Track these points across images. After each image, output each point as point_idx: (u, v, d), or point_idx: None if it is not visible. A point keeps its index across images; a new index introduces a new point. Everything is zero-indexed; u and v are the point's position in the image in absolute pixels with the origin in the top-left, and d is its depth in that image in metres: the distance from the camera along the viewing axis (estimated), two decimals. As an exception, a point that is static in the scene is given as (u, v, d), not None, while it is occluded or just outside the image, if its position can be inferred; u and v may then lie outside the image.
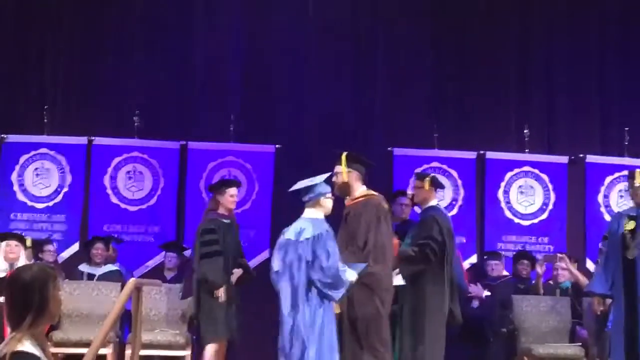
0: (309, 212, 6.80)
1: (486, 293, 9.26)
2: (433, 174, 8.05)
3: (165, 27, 10.78)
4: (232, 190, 8.26)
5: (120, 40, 10.76)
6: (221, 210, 8.17)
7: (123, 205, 10.48)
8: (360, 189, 7.20)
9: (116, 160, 10.51)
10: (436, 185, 7.84)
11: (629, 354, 7.33)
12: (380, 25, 11.06)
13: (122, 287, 7.35)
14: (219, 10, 10.92)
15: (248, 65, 10.81)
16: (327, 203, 6.82)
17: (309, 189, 6.78)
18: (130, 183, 10.52)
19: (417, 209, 8.16)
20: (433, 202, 7.78)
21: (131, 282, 5.12)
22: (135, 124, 10.48)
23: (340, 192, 7.18)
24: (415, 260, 7.45)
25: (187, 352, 8.45)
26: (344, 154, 7.19)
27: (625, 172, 10.48)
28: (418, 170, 10.52)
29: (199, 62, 10.82)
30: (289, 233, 6.76)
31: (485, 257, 9.97)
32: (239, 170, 10.58)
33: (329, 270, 6.57)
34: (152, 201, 10.49)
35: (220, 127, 10.57)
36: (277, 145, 10.58)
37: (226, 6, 10.94)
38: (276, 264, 6.74)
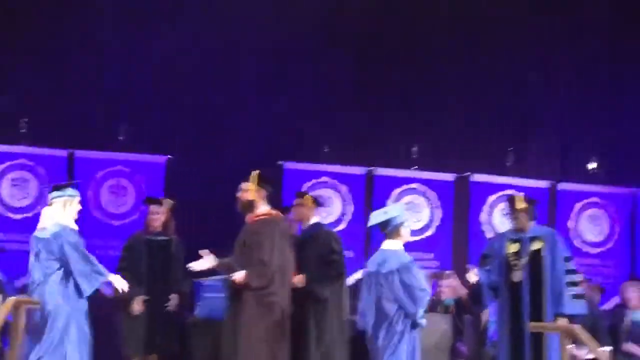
0: (388, 243, 6.99)
1: None
2: (314, 194, 8.21)
3: (53, 35, 10.57)
4: (151, 208, 8.32)
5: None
6: (150, 227, 8.28)
7: (7, 214, 10.25)
8: (262, 208, 7.27)
9: (2, 166, 10.27)
10: (317, 203, 7.98)
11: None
12: (266, 37, 11.04)
13: (2, 296, 7.26)
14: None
15: (131, 74, 10.66)
16: (406, 232, 7.07)
17: (388, 221, 6.97)
18: (15, 190, 10.29)
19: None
20: (314, 220, 7.91)
21: (9, 300, 5.03)
22: (21, 130, 10.27)
23: (243, 209, 7.27)
24: (331, 278, 7.65)
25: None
26: (256, 173, 7.30)
27: (509, 192, 10.80)
28: (307, 184, 10.61)
29: (86, 69, 10.63)
30: (370, 265, 6.96)
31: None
32: (127, 180, 10.48)
33: (422, 299, 6.80)
34: (38, 209, 10.28)
35: (109, 135, 10.44)
36: (168, 156, 10.50)
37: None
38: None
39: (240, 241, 7.17)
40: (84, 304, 6.84)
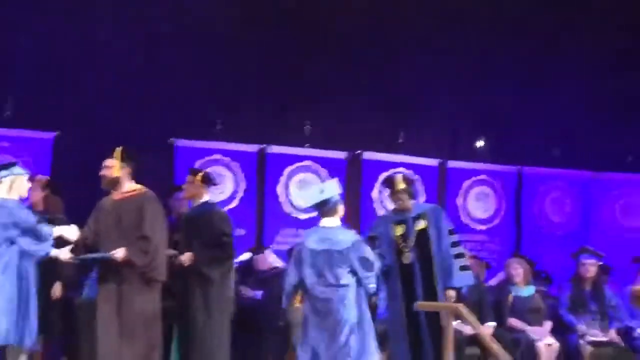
0: (328, 221, 7.14)
1: (257, 292, 9.43)
2: (206, 171, 8.12)
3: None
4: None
5: None
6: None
7: None
8: (129, 184, 7.18)
9: None
10: (209, 181, 7.90)
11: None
12: (170, 9, 10.92)
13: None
14: None
15: (18, 49, 10.42)
16: (342, 207, 7.26)
17: (326, 201, 7.10)
18: None
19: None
20: (205, 198, 7.86)
21: None
22: None
23: (107, 186, 7.16)
24: (221, 260, 7.63)
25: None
26: (120, 149, 7.16)
27: (400, 169, 10.96)
28: (200, 162, 10.55)
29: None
30: (313, 243, 7.05)
31: (250, 252, 10.01)
32: (12, 157, 10.22)
33: (374, 268, 7.07)
34: None
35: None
36: (56, 133, 10.29)
37: None
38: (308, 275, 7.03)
39: (112, 218, 7.05)
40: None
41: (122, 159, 7.13)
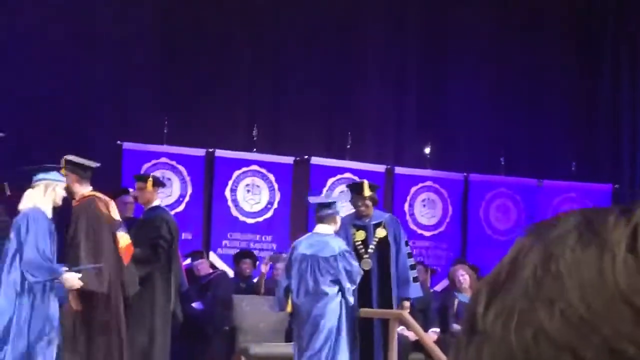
0: (322, 228, 7.26)
1: (198, 303, 9.42)
2: (153, 174, 8.14)
3: None
4: None
5: None
6: None
7: None
8: (83, 190, 7.18)
9: None
10: (158, 184, 7.94)
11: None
12: (111, 11, 10.83)
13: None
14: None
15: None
16: (339, 221, 7.39)
17: (330, 204, 7.29)
18: None
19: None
20: (157, 202, 7.90)
21: None
22: None
23: (68, 194, 7.17)
24: (149, 261, 7.56)
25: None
26: (64, 158, 7.22)
27: (347, 175, 10.99)
28: (147, 165, 10.49)
29: None
30: (303, 248, 7.18)
31: (189, 257, 9.90)
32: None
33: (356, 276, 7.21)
34: None
35: None
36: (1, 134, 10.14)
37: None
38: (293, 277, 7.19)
39: (68, 228, 7.14)
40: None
41: (66, 168, 7.16)
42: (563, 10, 12.20)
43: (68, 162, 7.18)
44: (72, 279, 6.72)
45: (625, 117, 12.28)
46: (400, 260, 7.78)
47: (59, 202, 6.90)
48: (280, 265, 9.56)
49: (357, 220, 7.94)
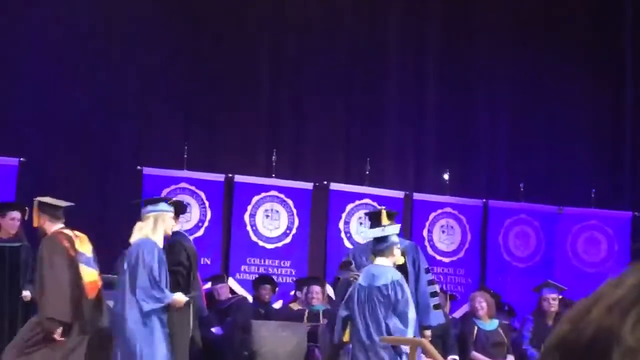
0: (381, 260, 7.38)
1: (217, 329, 9.44)
2: (176, 199, 8.15)
3: None
4: (14, 214, 8.46)
5: None
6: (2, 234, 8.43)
7: None
8: (53, 228, 7.45)
9: None
10: (178, 210, 7.96)
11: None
12: (135, 36, 10.92)
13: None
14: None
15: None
16: (398, 252, 7.44)
17: (386, 238, 7.38)
18: None
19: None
20: (176, 228, 7.90)
21: None
22: None
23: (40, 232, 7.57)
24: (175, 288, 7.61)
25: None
26: (36, 200, 7.51)
27: (366, 201, 11.01)
28: (166, 190, 10.54)
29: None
30: (361, 279, 7.34)
31: (210, 281, 9.96)
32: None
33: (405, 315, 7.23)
34: None
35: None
36: (20, 159, 10.22)
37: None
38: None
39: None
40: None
41: (38, 210, 7.44)
42: (585, 35, 12.21)
43: (41, 203, 7.44)
44: (179, 298, 7.21)
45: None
46: (420, 288, 7.78)
47: (170, 232, 7.29)
48: (316, 289, 9.63)
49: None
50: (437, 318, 7.84)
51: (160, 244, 7.16)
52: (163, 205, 7.23)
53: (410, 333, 7.23)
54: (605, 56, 12.17)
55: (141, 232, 7.13)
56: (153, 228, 7.11)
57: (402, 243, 8.00)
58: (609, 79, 12.24)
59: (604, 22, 12.22)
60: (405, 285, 7.33)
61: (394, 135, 11.84)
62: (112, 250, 8.50)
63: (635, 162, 12.20)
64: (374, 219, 8.04)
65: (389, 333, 7.21)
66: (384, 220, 7.91)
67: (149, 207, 7.16)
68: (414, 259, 7.87)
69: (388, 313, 7.22)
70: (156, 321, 7.06)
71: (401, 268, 7.80)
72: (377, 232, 7.48)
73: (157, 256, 7.06)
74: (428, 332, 7.70)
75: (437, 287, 8.15)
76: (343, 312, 7.39)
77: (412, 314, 7.26)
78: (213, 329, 9.34)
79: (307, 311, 9.69)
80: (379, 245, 7.41)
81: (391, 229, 7.52)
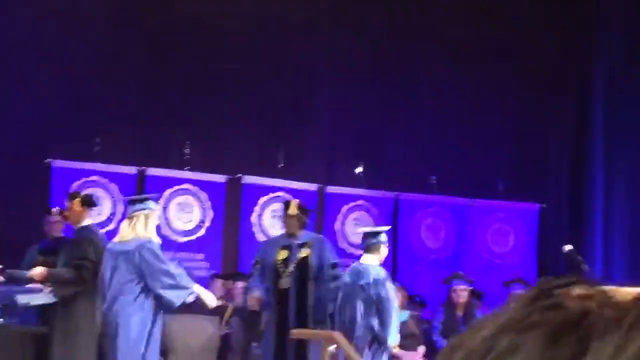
0: (367, 258, 7.56)
1: None
2: (85, 193, 8.07)
3: None
4: None
5: None
6: None
7: None
8: None
9: None
10: (88, 204, 7.86)
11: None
12: (70, 30, 10.73)
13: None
14: None
15: None
16: (385, 251, 7.64)
17: (376, 234, 7.58)
18: None
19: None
20: (87, 222, 7.82)
21: None
22: None
23: None
24: (72, 281, 7.49)
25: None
26: None
27: (280, 194, 11.04)
28: (77, 183, 10.40)
29: None
30: (346, 276, 7.50)
31: None
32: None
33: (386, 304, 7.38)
34: None
35: None
36: None
37: None
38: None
39: None
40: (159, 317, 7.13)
41: None
42: (497, 35, 12.42)
43: None
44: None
45: (551, 139, 12.53)
46: (321, 282, 7.84)
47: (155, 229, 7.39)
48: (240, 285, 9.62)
49: (284, 240, 8.00)
50: None
51: (155, 240, 7.29)
52: (151, 203, 7.32)
53: (394, 333, 7.37)
54: (513, 56, 12.40)
55: (135, 231, 7.17)
56: (145, 226, 7.16)
57: (309, 236, 8.06)
58: (517, 74, 12.47)
59: (517, 25, 12.45)
60: (389, 284, 7.53)
61: (307, 128, 11.89)
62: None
63: (542, 155, 12.48)
64: (284, 209, 8.12)
65: (372, 332, 7.34)
66: (292, 210, 7.98)
67: (137, 206, 7.21)
68: (320, 253, 7.91)
69: (369, 311, 7.36)
70: (158, 322, 7.18)
71: (304, 261, 7.85)
72: (367, 228, 7.89)
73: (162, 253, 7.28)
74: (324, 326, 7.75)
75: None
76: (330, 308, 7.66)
77: (394, 312, 7.42)
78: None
79: (230, 307, 9.65)
80: (367, 241, 7.66)
81: (380, 228, 7.87)
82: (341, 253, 11.33)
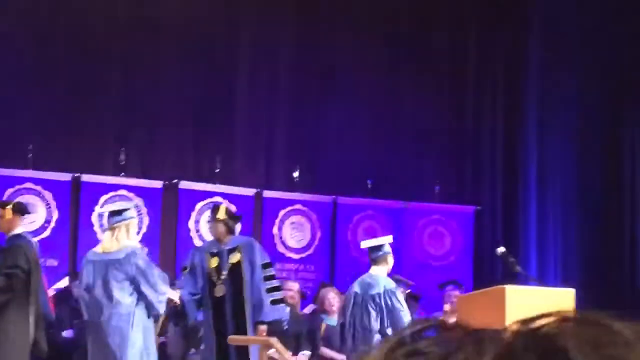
0: (375, 269, 7.70)
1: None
2: (16, 201, 7.98)
3: None
4: None
5: None
6: None
7: None
8: None
9: None
10: (20, 211, 7.78)
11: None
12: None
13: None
14: None
15: None
16: (391, 261, 7.80)
17: (379, 247, 7.73)
18: None
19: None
20: (19, 230, 7.73)
21: None
22: None
23: None
24: (2, 290, 7.40)
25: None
26: None
27: (217, 199, 11.02)
28: (10, 191, 10.27)
29: None
30: (356, 287, 7.67)
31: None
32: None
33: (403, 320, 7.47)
34: None
35: None
36: None
37: None
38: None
39: None
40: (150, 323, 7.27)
41: None
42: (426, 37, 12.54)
43: None
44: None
45: (484, 143, 12.69)
46: (254, 284, 7.80)
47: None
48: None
49: (213, 247, 7.96)
50: (274, 313, 7.83)
51: (139, 248, 7.51)
52: (131, 212, 7.52)
53: None
54: (446, 59, 12.54)
55: (118, 242, 7.28)
56: (127, 235, 7.31)
57: (238, 241, 8.01)
58: (451, 79, 12.62)
59: (447, 27, 12.59)
60: (400, 294, 7.71)
61: (244, 133, 11.88)
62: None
63: (476, 158, 12.64)
64: (212, 214, 8.08)
65: None
66: (220, 214, 7.94)
67: (116, 218, 7.35)
68: (250, 256, 7.88)
69: (381, 321, 7.49)
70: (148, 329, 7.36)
71: (236, 266, 7.81)
72: (371, 242, 7.92)
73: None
74: (263, 327, 7.71)
75: (277, 283, 8.16)
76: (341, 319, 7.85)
77: (407, 320, 7.59)
78: (64, 333, 9.16)
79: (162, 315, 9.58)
80: (372, 254, 7.77)
81: (383, 239, 7.94)
82: (279, 258, 11.36)
